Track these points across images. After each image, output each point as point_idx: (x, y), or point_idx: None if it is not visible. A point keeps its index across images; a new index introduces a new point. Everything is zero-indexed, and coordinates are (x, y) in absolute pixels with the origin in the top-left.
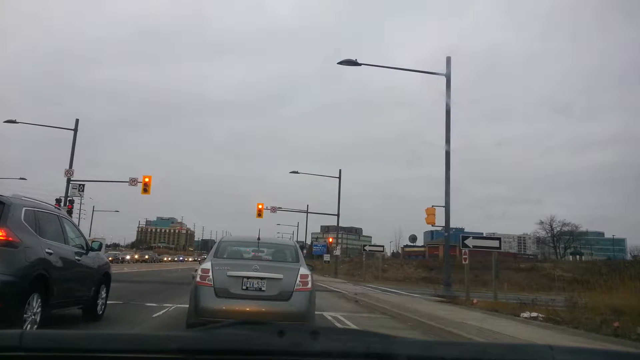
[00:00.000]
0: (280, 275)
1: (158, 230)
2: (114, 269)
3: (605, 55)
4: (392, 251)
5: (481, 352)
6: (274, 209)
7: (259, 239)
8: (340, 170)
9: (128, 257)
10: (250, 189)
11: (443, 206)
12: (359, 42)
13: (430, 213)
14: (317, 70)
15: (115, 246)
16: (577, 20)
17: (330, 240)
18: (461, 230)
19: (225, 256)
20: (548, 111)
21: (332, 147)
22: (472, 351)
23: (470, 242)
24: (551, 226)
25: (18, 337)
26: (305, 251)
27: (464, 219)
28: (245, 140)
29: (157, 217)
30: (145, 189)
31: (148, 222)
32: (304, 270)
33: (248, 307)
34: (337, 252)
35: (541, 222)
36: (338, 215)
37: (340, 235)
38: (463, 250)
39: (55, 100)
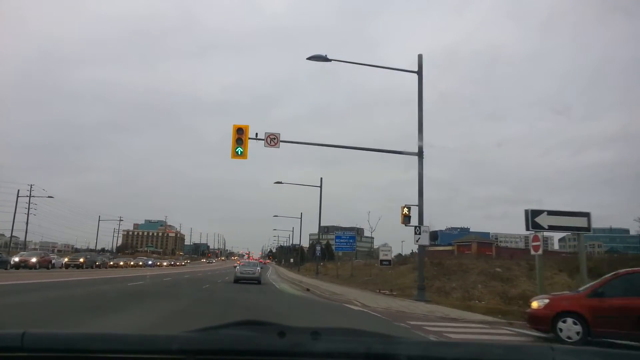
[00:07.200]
0: (253, 269)
1: (146, 233)
2: None
3: (605, 55)
4: (407, 252)
5: (482, 352)
6: (272, 139)
7: (250, 261)
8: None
9: (34, 259)
10: (243, 193)
11: None
12: (354, 40)
13: None
14: (311, 71)
15: (102, 251)
16: (577, 20)
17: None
18: (466, 230)
19: (241, 265)
20: (548, 111)
21: (326, 148)
22: (474, 351)
23: (544, 220)
24: None
25: (20, 338)
26: (305, 254)
27: (465, 219)
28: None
29: (145, 220)
30: None
31: (135, 226)
32: (258, 268)
33: (246, 275)
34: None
35: None
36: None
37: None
38: (533, 235)
39: (45, 103)
